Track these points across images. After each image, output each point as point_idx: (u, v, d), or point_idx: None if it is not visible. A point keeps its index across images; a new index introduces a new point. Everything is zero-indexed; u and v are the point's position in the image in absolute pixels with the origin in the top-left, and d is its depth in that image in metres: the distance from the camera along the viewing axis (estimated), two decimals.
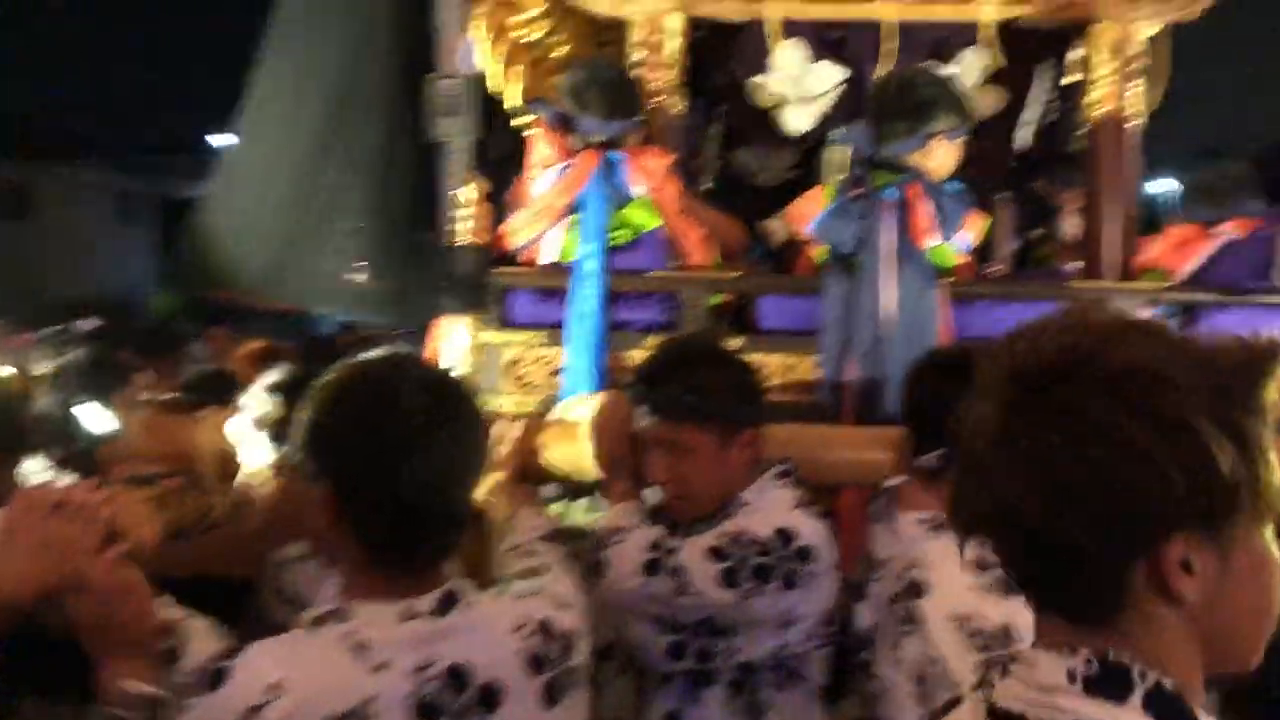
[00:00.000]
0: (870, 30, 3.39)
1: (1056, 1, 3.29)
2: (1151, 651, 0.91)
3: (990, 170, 3.38)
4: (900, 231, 2.76)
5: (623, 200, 2.95)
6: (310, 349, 5.33)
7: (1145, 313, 2.94)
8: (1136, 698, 0.89)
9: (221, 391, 3.28)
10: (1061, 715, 0.90)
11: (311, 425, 1.43)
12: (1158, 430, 0.87)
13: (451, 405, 1.44)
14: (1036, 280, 3.24)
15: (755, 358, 2.83)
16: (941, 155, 2.92)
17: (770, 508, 2.04)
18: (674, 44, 3.27)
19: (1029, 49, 3.43)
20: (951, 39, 3.40)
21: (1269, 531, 0.94)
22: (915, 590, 1.95)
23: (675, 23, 3.27)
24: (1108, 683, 0.89)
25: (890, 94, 2.95)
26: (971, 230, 2.94)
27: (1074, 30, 3.36)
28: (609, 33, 3.55)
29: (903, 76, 3.01)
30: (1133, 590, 0.90)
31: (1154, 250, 3.19)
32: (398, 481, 1.37)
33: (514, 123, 3.54)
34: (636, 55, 3.28)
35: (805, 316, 2.90)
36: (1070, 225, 3.78)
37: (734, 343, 2.88)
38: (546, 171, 2.98)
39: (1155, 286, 3.04)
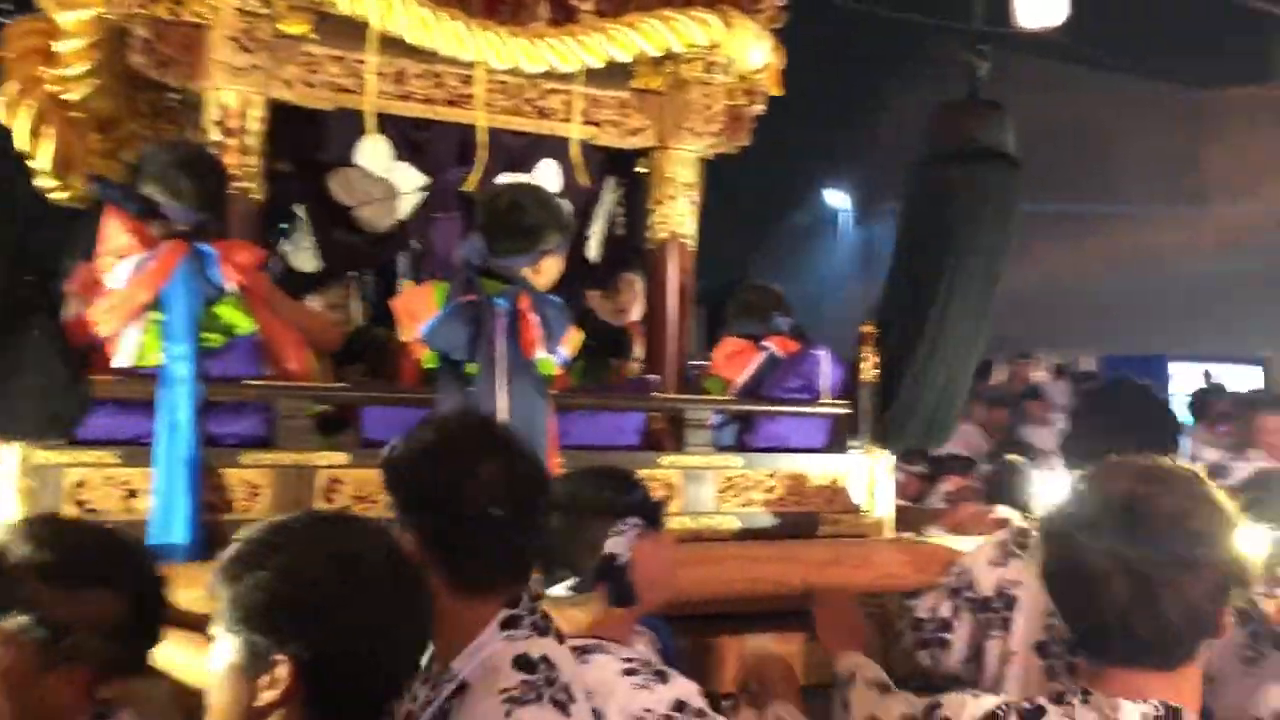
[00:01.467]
0: (455, 134, 3.39)
1: (627, 127, 3.52)
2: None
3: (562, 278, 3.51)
4: (511, 341, 2.76)
5: (213, 298, 2.66)
6: None
7: (712, 419, 3.22)
8: None
9: None
10: None
11: None
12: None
13: None
14: (625, 392, 3.40)
15: (360, 474, 2.70)
16: (548, 268, 3.00)
17: None
18: (256, 128, 3.02)
19: (600, 165, 3.62)
20: (530, 149, 3.51)
21: None
22: None
23: (257, 106, 3.03)
24: None
25: (501, 210, 2.95)
26: (568, 345, 3.02)
27: (640, 153, 3.61)
28: (170, 109, 3.21)
29: (512, 197, 3.02)
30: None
31: (715, 359, 3.50)
32: None
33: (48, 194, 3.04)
34: (214, 136, 2.99)
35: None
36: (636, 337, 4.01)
37: (336, 458, 2.72)
38: (123, 261, 2.59)
39: (723, 399, 3.33)
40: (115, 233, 2.63)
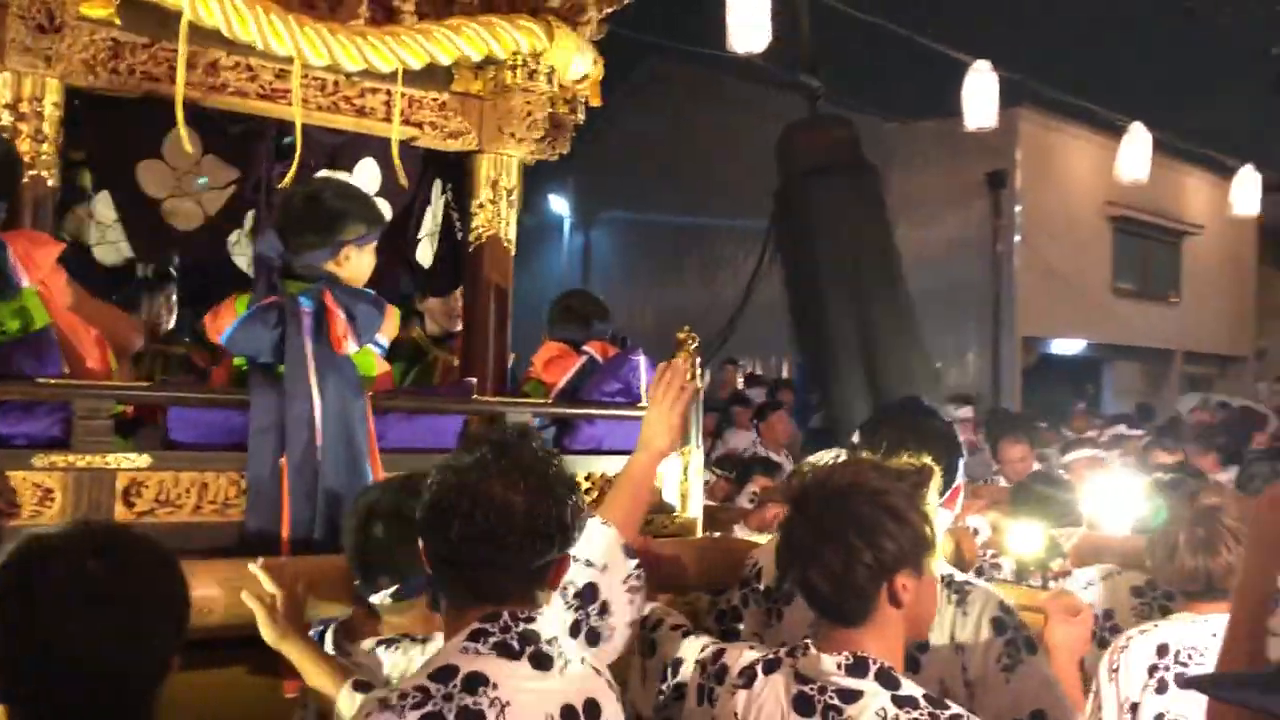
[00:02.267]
0: (268, 129, 3.31)
1: (448, 129, 3.51)
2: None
3: (389, 279, 3.47)
4: (318, 339, 2.72)
5: (6, 292, 2.52)
6: None
7: (530, 421, 3.24)
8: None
9: None
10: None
11: None
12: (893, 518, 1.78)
13: None
14: (444, 395, 3.38)
15: (163, 476, 2.61)
16: (355, 262, 2.96)
17: None
18: (52, 113, 2.88)
19: (425, 167, 3.60)
20: (349, 148, 3.46)
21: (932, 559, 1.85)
22: None
23: (54, 91, 2.89)
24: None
25: (297, 205, 2.91)
26: (385, 335, 2.99)
27: (464, 156, 3.61)
28: None
29: (309, 189, 2.98)
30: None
31: (534, 364, 3.53)
32: None
33: None
34: (4, 120, 2.83)
35: (221, 429, 2.72)
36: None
37: (138, 460, 2.62)
38: None
39: (542, 402, 3.36)
40: None
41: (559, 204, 18.22)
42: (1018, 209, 16.77)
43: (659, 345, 3.27)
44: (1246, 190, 14.25)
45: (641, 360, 3.39)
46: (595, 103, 3.65)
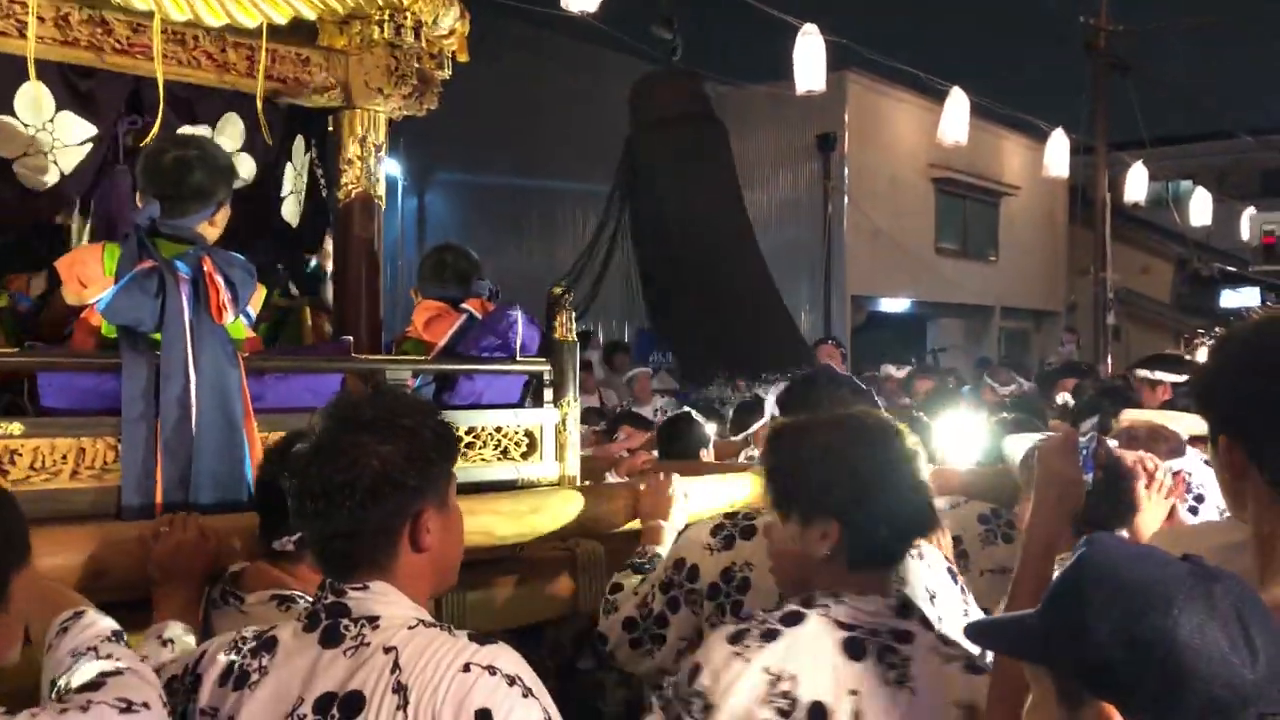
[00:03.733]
0: (124, 84, 3.20)
1: (314, 85, 3.46)
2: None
3: (256, 240, 3.40)
4: (195, 309, 2.66)
5: None
6: None
7: (410, 380, 3.26)
8: None
9: None
10: None
11: None
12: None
13: None
14: (322, 354, 3.34)
15: (40, 443, 2.53)
16: (221, 220, 2.93)
17: None
18: None
19: (287, 124, 3.53)
20: (210, 103, 3.36)
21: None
22: None
23: None
24: None
25: (167, 166, 2.84)
26: (254, 304, 2.96)
27: (329, 112, 3.56)
28: None
29: (177, 149, 2.90)
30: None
31: (414, 322, 3.53)
32: None
33: None
34: None
35: (95, 394, 2.64)
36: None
37: (12, 428, 2.52)
38: None
39: (421, 359, 3.36)
40: None
41: (390, 166, 17.77)
42: (845, 171, 17.34)
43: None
44: (1058, 152, 15.10)
45: (519, 315, 3.43)
46: (463, 58, 3.64)
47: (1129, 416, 3.87)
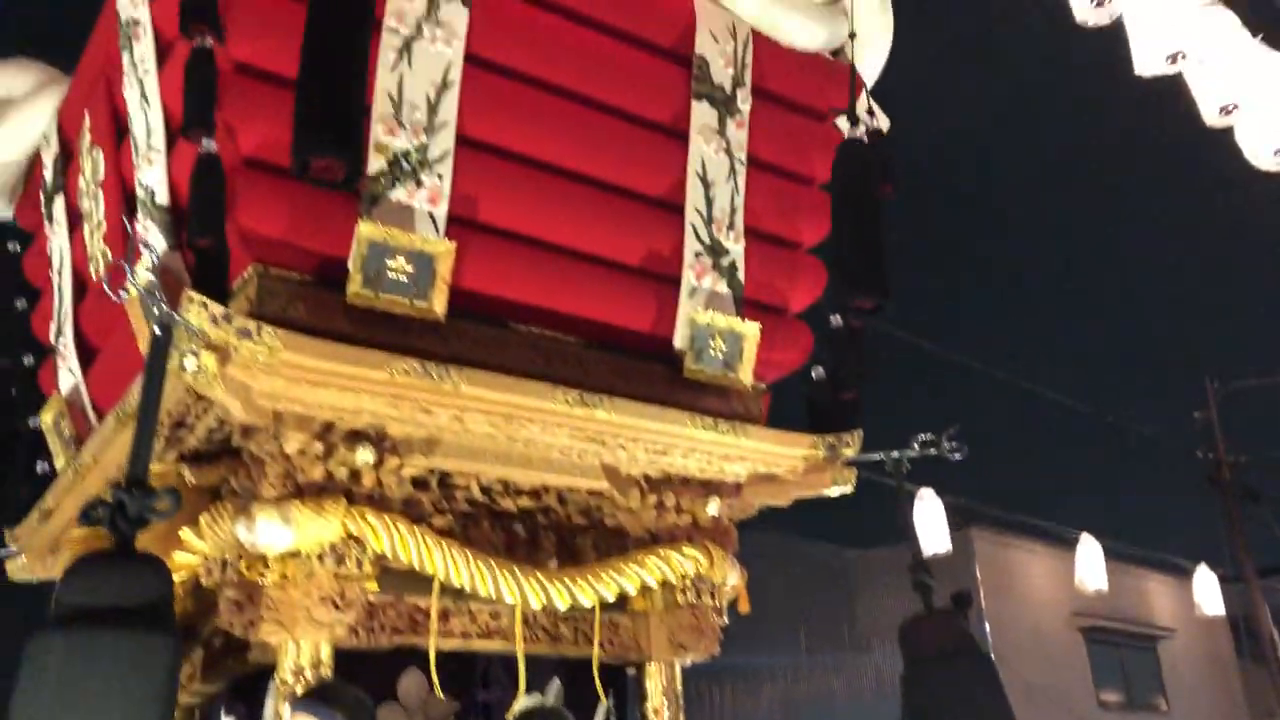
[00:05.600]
0: (477, 663, 3.80)
1: (622, 644, 3.98)
2: None
3: None
4: None
5: None
6: None
7: None
8: None
9: None
10: None
11: None
12: None
13: None
14: None
15: None
16: None
17: None
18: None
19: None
20: (537, 671, 3.88)
21: None
22: None
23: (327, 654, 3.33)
24: None
25: None
26: None
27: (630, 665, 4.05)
28: None
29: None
30: None
31: None
32: None
33: None
34: None
35: None
36: None
37: None
38: None
39: None
40: None
41: None
42: (986, 628, 17.16)
43: None
44: (1208, 589, 14.79)
45: None
46: (744, 609, 4.17)
47: None
